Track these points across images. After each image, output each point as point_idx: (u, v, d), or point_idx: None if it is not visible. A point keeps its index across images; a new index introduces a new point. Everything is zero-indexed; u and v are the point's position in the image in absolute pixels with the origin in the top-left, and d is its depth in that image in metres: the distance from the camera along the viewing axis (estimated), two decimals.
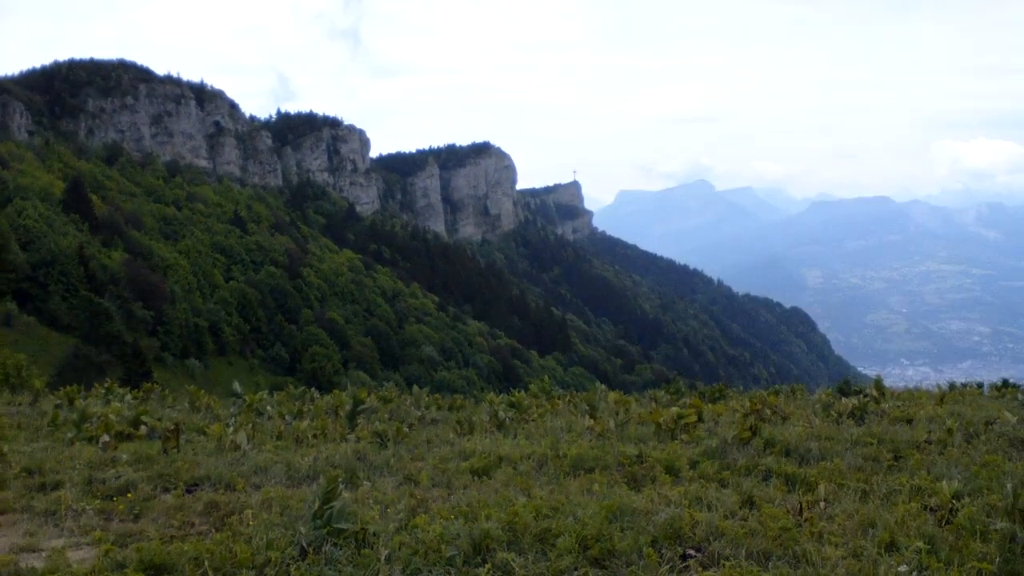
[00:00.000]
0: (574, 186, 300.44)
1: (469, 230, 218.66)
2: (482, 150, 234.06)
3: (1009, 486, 7.25)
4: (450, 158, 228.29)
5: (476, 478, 8.71)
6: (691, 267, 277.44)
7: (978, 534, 6.27)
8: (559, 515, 6.79)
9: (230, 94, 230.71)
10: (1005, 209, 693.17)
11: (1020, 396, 17.67)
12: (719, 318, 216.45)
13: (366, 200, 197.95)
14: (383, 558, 5.88)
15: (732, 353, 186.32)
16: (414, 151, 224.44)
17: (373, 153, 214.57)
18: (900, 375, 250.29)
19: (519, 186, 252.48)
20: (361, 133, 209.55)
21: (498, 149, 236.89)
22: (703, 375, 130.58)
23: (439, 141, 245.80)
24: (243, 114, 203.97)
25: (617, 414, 11.96)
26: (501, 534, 6.29)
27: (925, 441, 10.43)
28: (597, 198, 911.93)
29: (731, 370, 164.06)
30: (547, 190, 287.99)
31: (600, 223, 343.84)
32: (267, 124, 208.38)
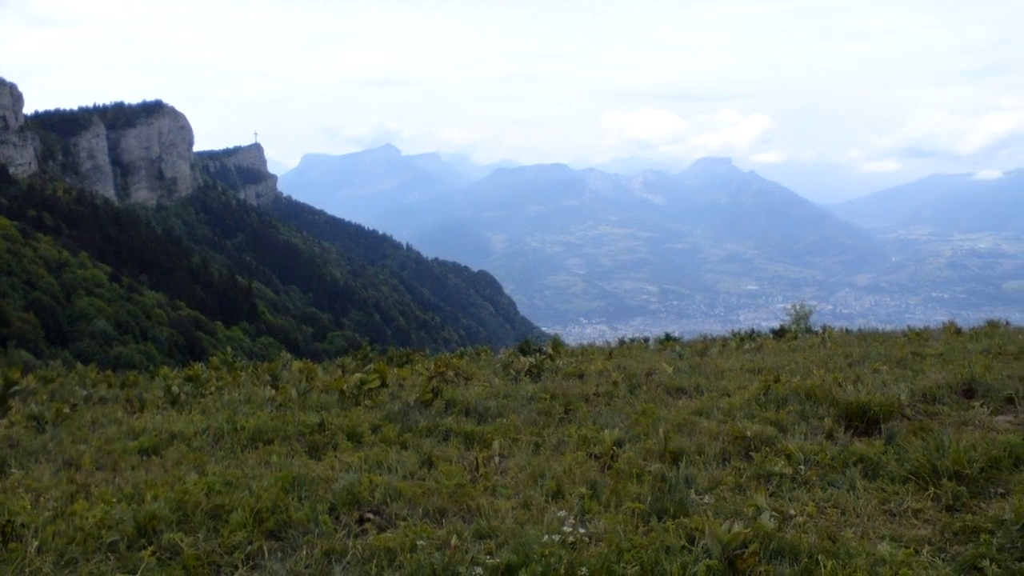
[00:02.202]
0: (256, 149, 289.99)
1: (143, 194, 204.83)
2: (154, 109, 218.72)
3: (661, 431, 7.91)
4: (118, 117, 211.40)
5: (145, 458, 8.21)
6: (380, 232, 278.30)
7: (635, 477, 6.77)
8: (234, 490, 6.56)
9: None
10: (668, 176, 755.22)
11: (678, 348, 19.37)
12: (409, 283, 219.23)
13: (21, 161, 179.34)
14: (33, 550, 5.40)
15: (423, 317, 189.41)
16: (76, 109, 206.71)
17: (28, 110, 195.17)
18: (580, 333, 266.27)
19: (197, 148, 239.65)
20: (12, 87, 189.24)
21: (172, 108, 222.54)
22: (395, 340, 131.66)
23: (105, 99, 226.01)
24: None
25: (300, 383, 11.74)
26: (169, 514, 5.99)
27: (594, 394, 11.14)
28: (281, 162, 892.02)
29: (422, 334, 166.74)
30: (227, 152, 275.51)
31: (285, 187, 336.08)
32: None
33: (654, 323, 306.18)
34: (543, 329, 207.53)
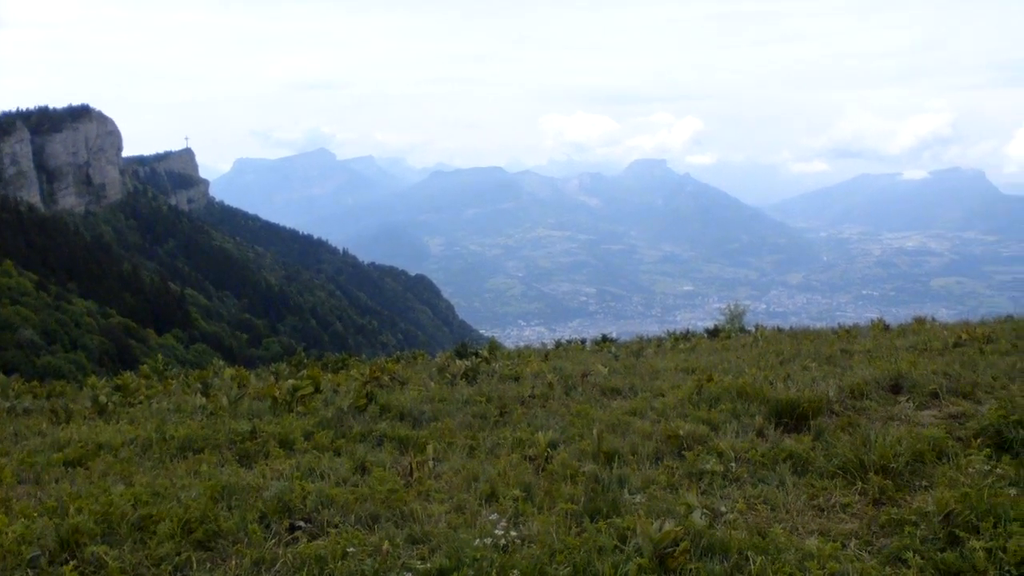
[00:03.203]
0: (187, 153, 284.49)
1: (70, 201, 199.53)
2: (81, 114, 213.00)
3: (595, 432, 7.95)
4: (43, 122, 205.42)
5: (70, 469, 8.00)
6: (315, 237, 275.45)
7: (569, 478, 6.79)
8: (162, 500, 6.43)
9: None
10: (604, 179, 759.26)
11: (614, 349, 19.52)
12: (346, 288, 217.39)
13: None
14: None
15: (361, 322, 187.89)
16: None
17: None
18: (519, 335, 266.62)
19: (126, 153, 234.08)
20: None
21: (100, 113, 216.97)
22: (332, 345, 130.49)
23: (29, 103, 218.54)
24: None
25: (232, 390, 11.56)
26: (94, 527, 5.83)
27: (529, 396, 11.14)
28: (213, 166, 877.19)
29: (360, 339, 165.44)
30: (158, 158, 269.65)
31: (218, 192, 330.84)
32: None
33: (592, 324, 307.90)
34: (482, 332, 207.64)
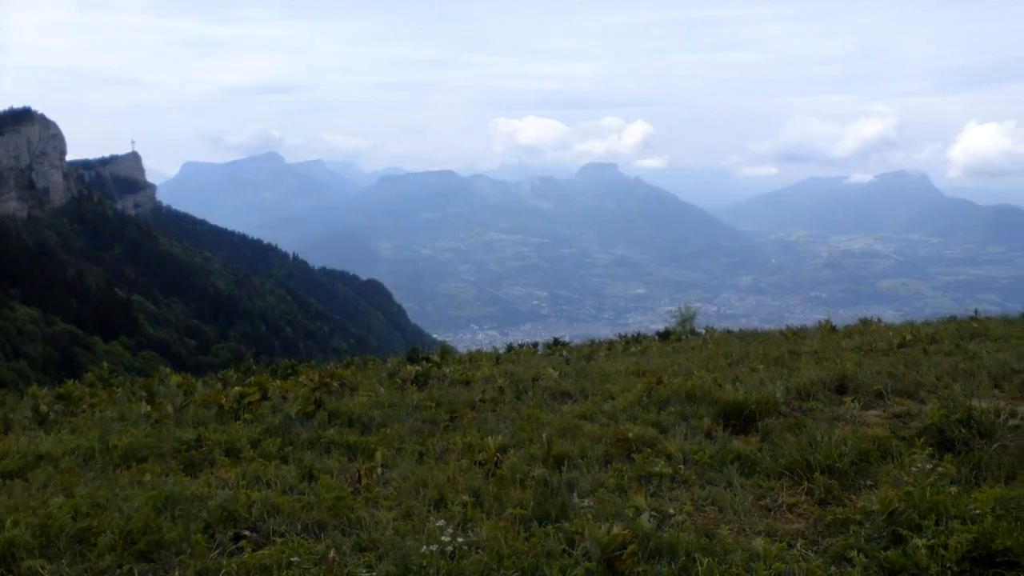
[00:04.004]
0: (133, 157, 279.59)
1: (12, 205, 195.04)
2: (22, 117, 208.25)
3: (545, 436, 7.94)
4: None
5: (8, 481, 7.79)
6: (265, 241, 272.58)
7: (518, 482, 6.76)
8: (103, 512, 6.28)
9: None
10: (555, 182, 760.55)
11: (565, 353, 19.53)
12: (297, 293, 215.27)
13: None
14: None
15: (311, 328, 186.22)
16: None
17: None
18: (471, 339, 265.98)
19: (71, 157, 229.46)
20: None
21: (42, 116, 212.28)
22: (283, 351, 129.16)
23: None
24: None
25: (178, 398, 11.37)
26: (31, 540, 5.69)
27: (480, 400, 11.10)
28: (160, 170, 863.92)
29: (311, 344, 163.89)
30: (103, 162, 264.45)
31: (165, 197, 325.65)
32: None
33: (545, 328, 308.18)
34: (435, 336, 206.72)
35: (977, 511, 5.41)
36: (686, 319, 28.61)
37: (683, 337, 22.49)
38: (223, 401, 10.71)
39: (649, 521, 5.42)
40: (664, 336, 23.61)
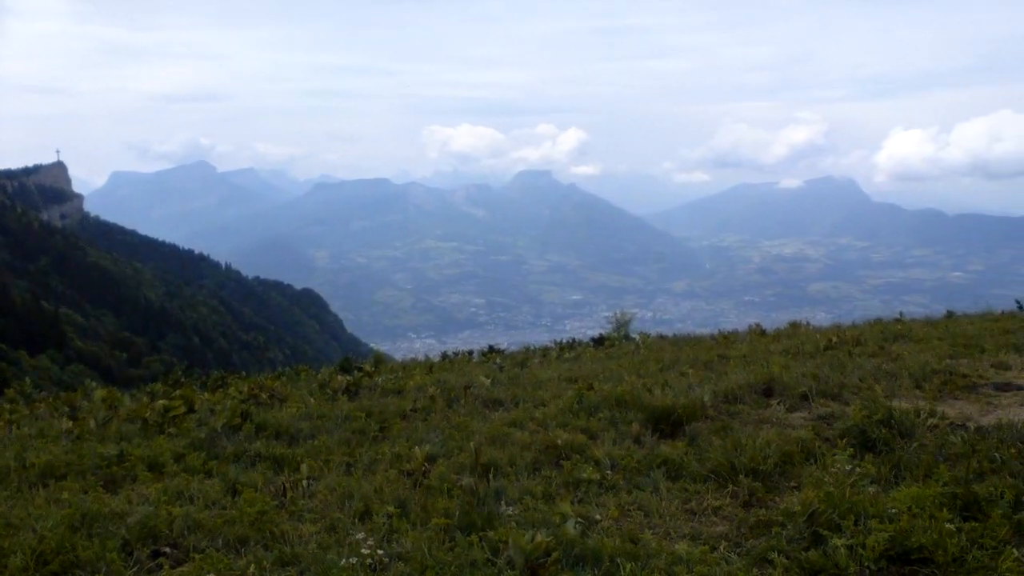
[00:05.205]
0: (59, 167, 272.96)
1: None
2: None
3: (473, 444, 7.91)
4: None
5: None
6: (196, 251, 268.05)
7: (446, 492, 6.72)
8: (15, 531, 6.08)
9: None
10: (490, 190, 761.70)
11: (499, 360, 19.53)
12: (230, 303, 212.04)
13: None
14: None
15: (246, 338, 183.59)
16: None
17: None
18: (409, 348, 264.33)
19: None
20: None
21: None
22: (216, 363, 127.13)
23: None
24: None
25: (101, 412, 11.09)
26: None
27: (411, 410, 11.01)
28: (87, 180, 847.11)
29: (246, 355, 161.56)
30: (27, 171, 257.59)
31: (93, 207, 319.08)
32: None
33: (482, 335, 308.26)
34: (372, 346, 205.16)
35: (894, 510, 5.51)
36: (622, 324, 28.81)
37: (617, 343, 22.63)
38: (147, 415, 10.48)
39: (574, 528, 5.43)
40: (599, 342, 23.72)
